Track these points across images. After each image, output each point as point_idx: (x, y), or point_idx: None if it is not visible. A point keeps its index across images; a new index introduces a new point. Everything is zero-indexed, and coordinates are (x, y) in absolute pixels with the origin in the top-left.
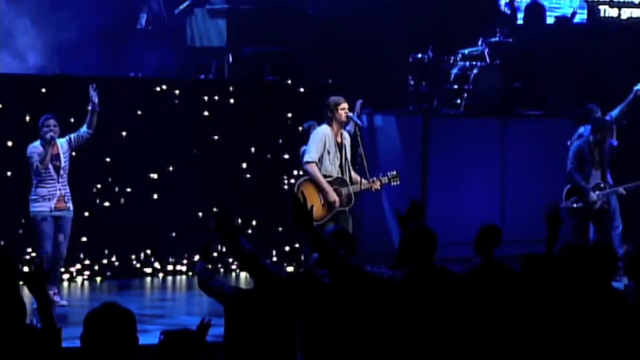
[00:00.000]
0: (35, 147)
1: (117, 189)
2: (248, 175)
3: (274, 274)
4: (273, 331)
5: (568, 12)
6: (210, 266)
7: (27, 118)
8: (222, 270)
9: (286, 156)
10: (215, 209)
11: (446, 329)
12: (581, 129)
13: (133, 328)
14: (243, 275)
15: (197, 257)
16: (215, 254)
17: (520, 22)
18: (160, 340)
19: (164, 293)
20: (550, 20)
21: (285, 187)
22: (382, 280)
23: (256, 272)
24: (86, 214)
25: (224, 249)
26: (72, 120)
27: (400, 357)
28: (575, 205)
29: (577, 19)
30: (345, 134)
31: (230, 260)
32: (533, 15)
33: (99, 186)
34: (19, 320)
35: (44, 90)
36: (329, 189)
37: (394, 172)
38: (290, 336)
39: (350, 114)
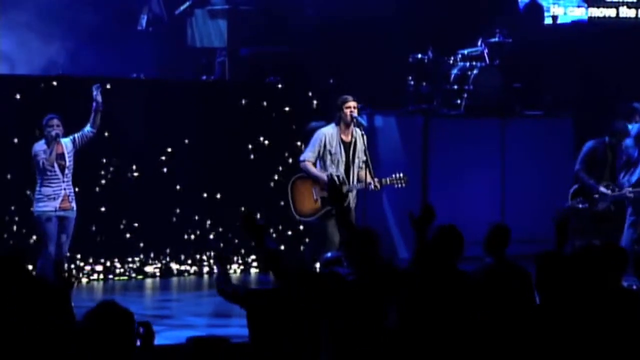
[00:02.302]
0: (41, 145)
1: (119, 191)
2: (250, 177)
3: (297, 273)
4: (296, 329)
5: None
6: (228, 271)
7: (31, 119)
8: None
9: (287, 156)
10: (211, 200)
11: (460, 329)
12: (631, 128)
13: (131, 327)
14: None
15: (198, 257)
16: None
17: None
18: (187, 347)
19: (169, 294)
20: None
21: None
22: (399, 270)
23: (279, 271)
24: (89, 215)
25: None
26: (75, 120)
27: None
28: (580, 205)
29: (576, 18)
30: (358, 132)
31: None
32: (531, 15)
33: (101, 187)
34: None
35: (47, 90)
36: (322, 176)
37: (400, 175)
38: (313, 334)
39: (355, 114)
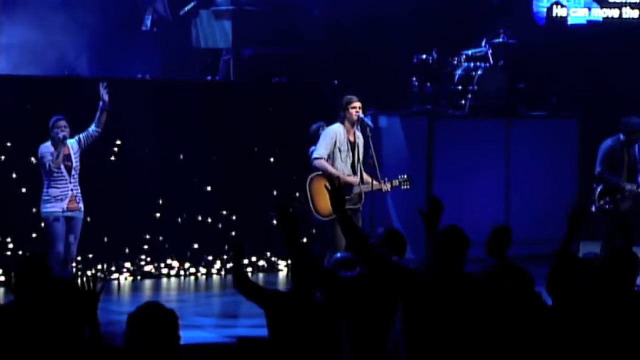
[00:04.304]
0: (47, 147)
1: (123, 191)
2: (255, 177)
3: (330, 273)
4: (315, 331)
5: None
6: (245, 267)
7: (37, 119)
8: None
9: (292, 157)
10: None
11: (467, 331)
12: None
13: (176, 327)
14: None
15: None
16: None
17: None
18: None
19: (174, 294)
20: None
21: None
22: (406, 271)
23: (310, 268)
24: (91, 216)
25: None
26: (81, 121)
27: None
28: (607, 207)
29: (583, 20)
30: (359, 134)
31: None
32: (552, 17)
33: (106, 187)
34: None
35: (53, 91)
36: (343, 175)
37: (405, 176)
38: (332, 335)
39: (361, 115)
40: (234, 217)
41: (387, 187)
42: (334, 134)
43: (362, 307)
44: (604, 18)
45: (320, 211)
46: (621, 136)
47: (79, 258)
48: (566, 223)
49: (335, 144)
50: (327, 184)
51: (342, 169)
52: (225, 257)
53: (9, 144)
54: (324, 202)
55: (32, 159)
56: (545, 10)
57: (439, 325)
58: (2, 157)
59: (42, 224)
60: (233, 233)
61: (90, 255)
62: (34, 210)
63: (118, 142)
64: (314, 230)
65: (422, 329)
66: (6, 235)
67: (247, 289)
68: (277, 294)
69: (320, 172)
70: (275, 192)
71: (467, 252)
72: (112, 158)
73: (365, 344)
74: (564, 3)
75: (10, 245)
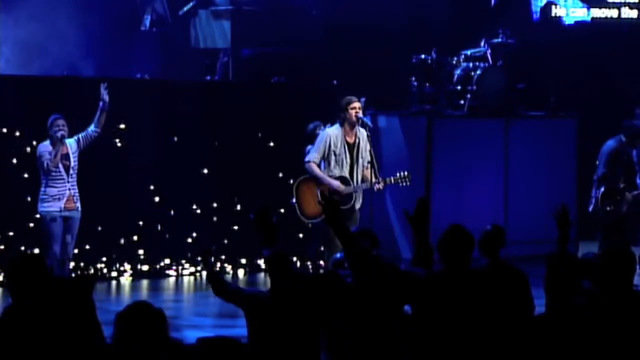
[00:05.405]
0: (46, 146)
1: (121, 191)
2: (253, 177)
3: (298, 275)
4: (294, 331)
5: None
6: (218, 270)
7: (36, 119)
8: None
9: (291, 157)
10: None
11: (477, 331)
12: None
13: (164, 327)
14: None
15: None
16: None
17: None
18: (197, 348)
19: (173, 294)
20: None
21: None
22: (419, 279)
23: (281, 271)
24: (91, 215)
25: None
26: (79, 121)
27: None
28: (608, 208)
29: (581, 19)
30: (362, 132)
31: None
32: (547, 16)
33: (104, 187)
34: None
35: (51, 91)
36: (328, 180)
37: (404, 173)
38: (311, 336)
39: (361, 115)
40: (232, 216)
41: (379, 186)
42: (328, 137)
43: (344, 308)
44: (603, 18)
45: (305, 214)
46: (622, 138)
47: (75, 251)
48: (557, 227)
49: (330, 147)
50: (321, 200)
51: (337, 171)
52: (223, 257)
53: (8, 144)
54: (309, 205)
55: (31, 155)
56: (541, 10)
57: (450, 323)
58: (2, 157)
59: (38, 216)
60: (235, 228)
61: (89, 250)
62: (29, 199)
63: (115, 142)
64: (310, 225)
65: (435, 329)
66: (6, 231)
67: (225, 292)
68: (257, 295)
69: (306, 176)
70: (274, 193)
71: (473, 250)
72: (110, 159)
73: (357, 351)
74: (561, 4)
75: None
